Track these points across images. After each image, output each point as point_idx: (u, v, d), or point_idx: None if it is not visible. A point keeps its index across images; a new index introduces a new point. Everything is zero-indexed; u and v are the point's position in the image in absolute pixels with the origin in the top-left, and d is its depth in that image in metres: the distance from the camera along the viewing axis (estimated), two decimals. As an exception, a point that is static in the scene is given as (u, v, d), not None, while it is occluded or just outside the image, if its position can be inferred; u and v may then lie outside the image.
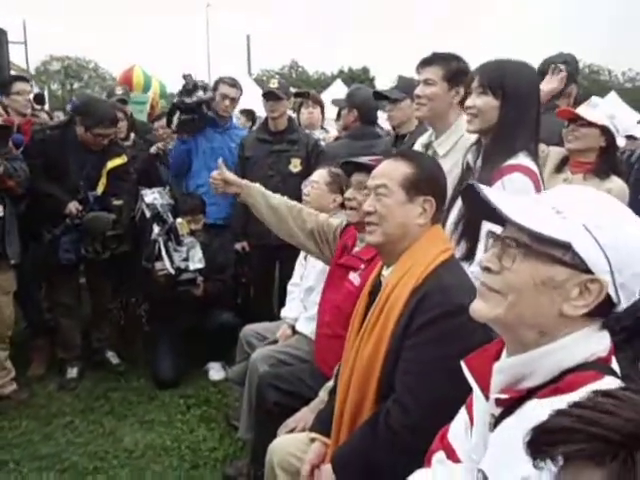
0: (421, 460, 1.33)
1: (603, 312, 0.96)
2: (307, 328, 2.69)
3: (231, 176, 2.54)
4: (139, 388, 3.62)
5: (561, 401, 0.90)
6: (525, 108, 1.91)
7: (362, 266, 2.36)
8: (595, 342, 0.97)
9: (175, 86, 4.28)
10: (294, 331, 2.82)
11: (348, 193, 2.41)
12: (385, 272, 1.74)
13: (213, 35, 49.38)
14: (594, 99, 2.68)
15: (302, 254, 3.13)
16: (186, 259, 3.53)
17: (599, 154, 2.54)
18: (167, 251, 3.52)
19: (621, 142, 4.41)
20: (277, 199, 2.56)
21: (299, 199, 3.68)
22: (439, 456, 1.26)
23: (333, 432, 1.73)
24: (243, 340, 2.98)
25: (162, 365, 3.65)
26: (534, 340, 0.98)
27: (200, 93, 3.97)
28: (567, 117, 2.60)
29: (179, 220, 3.61)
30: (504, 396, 1.00)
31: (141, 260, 3.63)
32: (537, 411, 0.93)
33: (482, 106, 1.93)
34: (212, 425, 3.19)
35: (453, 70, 2.33)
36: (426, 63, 2.37)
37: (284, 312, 3.01)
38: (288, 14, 76.61)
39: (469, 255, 1.85)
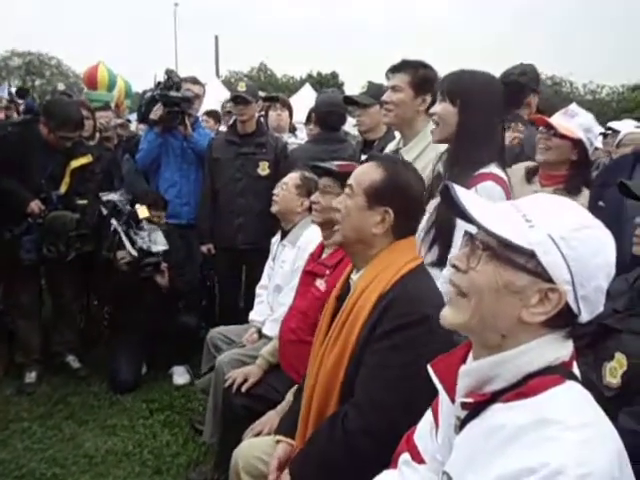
0: (377, 463, 1.34)
1: (565, 323, 0.98)
2: (273, 331, 2.69)
3: None
4: (100, 393, 3.54)
5: (525, 405, 0.94)
6: (484, 116, 1.94)
7: (327, 272, 2.38)
8: (557, 349, 0.99)
9: (141, 85, 4.25)
10: (261, 334, 2.81)
11: (314, 196, 2.46)
12: (354, 276, 1.75)
13: (181, 35, 48.92)
14: (573, 107, 2.51)
15: (271, 256, 3.12)
16: (148, 242, 3.50)
17: (570, 168, 2.44)
18: (128, 236, 3.48)
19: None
20: None
21: (267, 202, 3.70)
22: (405, 457, 1.27)
23: (298, 434, 1.73)
24: (209, 343, 2.96)
25: (121, 369, 3.58)
26: (497, 343, 1.00)
27: (183, 89, 4.00)
28: (541, 124, 2.51)
29: (138, 206, 3.57)
30: (469, 400, 1.02)
31: (104, 260, 3.56)
32: (502, 414, 0.96)
33: (441, 112, 1.98)
34: (175, 430, 3.14)
35: (419, 77, 2.37)
36: (395, 70, 2.41)
37: (252, 315, 2.99)
38: (257, 16, 76.45)
39: (441, 261, 1.87)
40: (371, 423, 1.49)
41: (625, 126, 3.82)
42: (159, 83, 4.10)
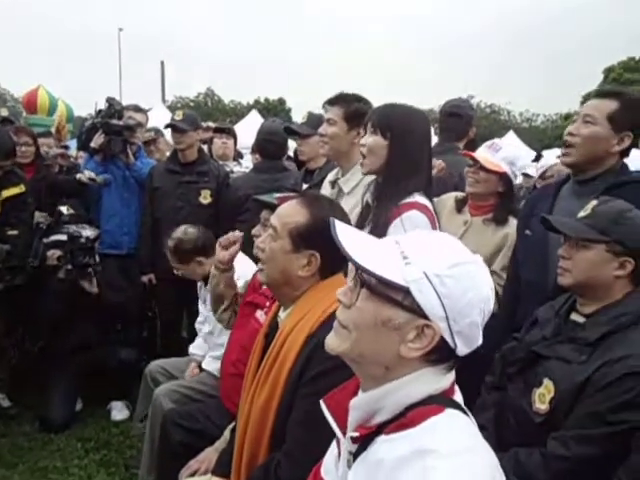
0: None
1: (443, 356, 1.01)
2: (213, 366, 2.65)
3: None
4: (32, 433, 3.37)
5: (405, 436, 0.96)
6: (413, 150, 2.02)
7: (267, 303, 2.36)
8: (437, 381, 1.02)
9: (83, 110, 4.21)
10: (201, 368, 2.75)
11: (255, 229, 2.42)
12: (281, 314, 1.72)
13: (126, 60, 48.40)
14: (497, 142, 2.65)
15: (200, 299, 3.06)
16: (77, 229, 3.44)
17: (497, 199, 2.57)
18: (54, 232, 3.43)
19: (518, 179, 4.67)
20: None
21: (210, 230, 3.65)
22: None
23: (233, 474, 1.69)
24: (148, 376, 2.86)
25: (53, 406, 3.43)
26: (382, 375, 1.02)
27: (125, 118, 3.98)
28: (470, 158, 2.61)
29: (60, 207, 3.50)
30: (356, 434, 1.04)
31: (38, 297, 3.43)
32: (383, 448, 0.99)
33: (371, 145, 2.04)
34: (112, 469, 3.02)
35: (352, 111, 2.42)
36: (330, 103, 2.47)
37: (192, 348, 2.94)
38: (206, 41, 76.52)
39: None
40: (304, 473, 1.44)
41: (548, 158, 3.92)
42: (100, 111, 4.05)
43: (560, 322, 1.78)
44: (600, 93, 2.13)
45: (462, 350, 1.00)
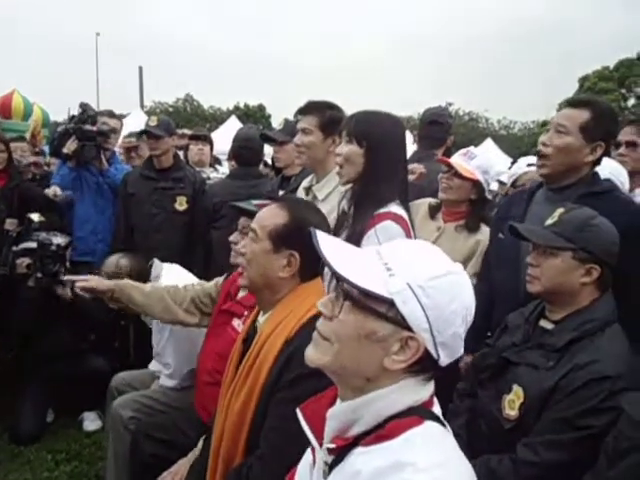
0: None
1: (425, 367, 1.00)
2: (170, 383, 2.66)
3: (97, 283, 2.38)
4: (1, 445, 3.27)
5: (384, 448, 0.95)
6: (390, 158, 2.01)
7: (245, 313, 2.34)
8: (417, 392, 1.01)
9: (60, 115, 4.16)
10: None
11: (233, 237, 2.40)
12: (260, 318, 1.72)
13: (104, 65, 48.08)
14: (472, 150, 2.69)
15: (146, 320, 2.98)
16: (47, 236, 3.29)
17: (469, 206, 2.60)
18: (24, 240, 3.32)
19: (494, 186, 4.67)
20: (149, 286, 2.49)
21: (185, 237, 3.61)
22: None
23: (208, 483, 1.67)
24: (114, 389, 2.79)
25: (23, 417, 3.34)
26: (361, 387, 1.01)
27: (99, 123, 3.93)
28: (444, 164, 2.64)
29: (31, 214, 3.42)
30: (333, 446, 1.03)
31: (9, 305, 3.35)
32: (360, 459, 0.97)
33: (347, 154, 2.02)
34: (83, 481, 2.96)
35: (327, 119, 2.41)
36: (302, 112, 2.45)
37: (151, 365, 2.87)
38: (184, 46, 76.20)
39: None
40: (275, 476, 1.43)
41: (519, 165, 3.90)
42: (73, 116, 4.00)
43: (529, 328, 1.79)
44: (572, 102, 2.11)
45: (444, 361, 1.00)
